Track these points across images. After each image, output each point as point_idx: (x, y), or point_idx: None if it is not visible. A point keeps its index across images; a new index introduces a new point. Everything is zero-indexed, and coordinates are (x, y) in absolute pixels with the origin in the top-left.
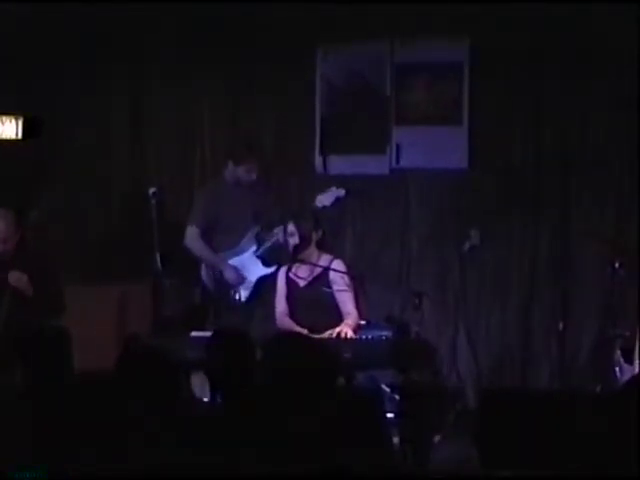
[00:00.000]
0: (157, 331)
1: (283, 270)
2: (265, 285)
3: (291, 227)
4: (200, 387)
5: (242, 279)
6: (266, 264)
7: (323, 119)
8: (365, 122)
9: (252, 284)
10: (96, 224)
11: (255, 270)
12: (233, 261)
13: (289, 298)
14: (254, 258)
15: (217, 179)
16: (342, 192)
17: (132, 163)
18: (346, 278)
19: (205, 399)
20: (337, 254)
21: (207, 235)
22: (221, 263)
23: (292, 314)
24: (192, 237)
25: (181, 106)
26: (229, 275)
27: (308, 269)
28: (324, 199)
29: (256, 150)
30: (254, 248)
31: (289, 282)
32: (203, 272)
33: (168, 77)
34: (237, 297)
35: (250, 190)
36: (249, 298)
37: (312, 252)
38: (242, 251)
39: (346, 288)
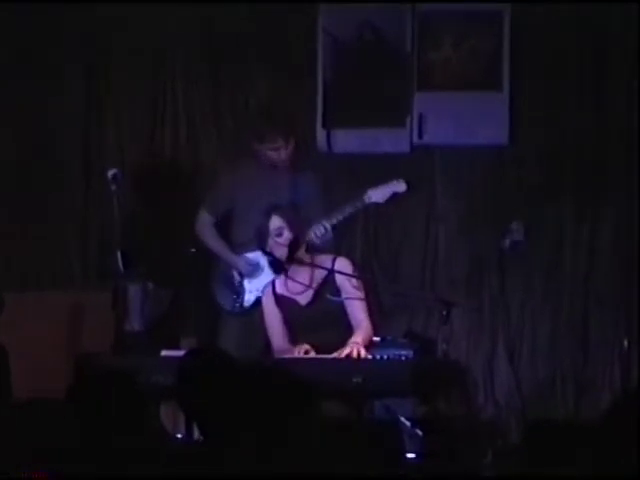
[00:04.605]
0: (118, 349)
1: (267, 291)
2: None
3: (276, 221)
4: (172, 419)
5: (256, 273)
6: (277, 270)
7: (326, 84)
8: (379, 87)
9: (261, 288)
10: (42, 214)
11: (268, 273)
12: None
13: (287, 322)
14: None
15: (249, 160)
16: (402, 186)
17: (88, 139)
18: (354, 281)
19: (179, 435)
20: (342, 253)
21: (223, 224)
22: (231, 256)
23: (295, 340)
24: (202, 223)
25: (151, 68)
26: (242, 268)
27: (304, 279)
28: (376, 194)
29: (281, 122)
30: None
31: (281, 302)
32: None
33: (134, 30)
34: (238, 303)
35: (290, 174)
36: (253, 305)
37: (302, 256)
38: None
39: (355, 294)
